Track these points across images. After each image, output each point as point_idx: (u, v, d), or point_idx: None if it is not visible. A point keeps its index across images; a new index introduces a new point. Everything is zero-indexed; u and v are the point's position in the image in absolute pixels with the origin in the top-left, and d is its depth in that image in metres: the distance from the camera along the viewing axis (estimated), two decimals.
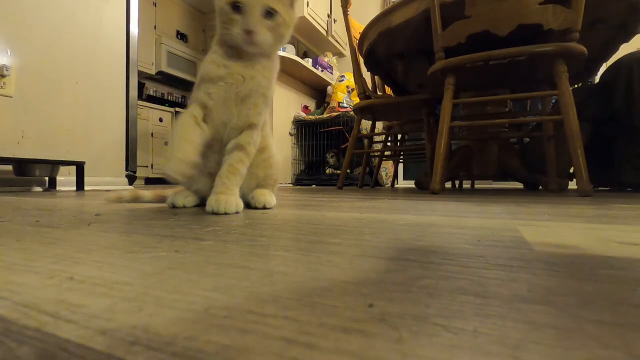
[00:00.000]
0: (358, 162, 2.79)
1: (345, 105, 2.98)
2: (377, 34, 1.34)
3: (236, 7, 0.52)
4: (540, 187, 1.58)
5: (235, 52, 0.57)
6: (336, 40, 3.51)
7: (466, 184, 2.44)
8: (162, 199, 0.71)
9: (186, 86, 3.42)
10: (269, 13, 0.53)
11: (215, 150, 0.60)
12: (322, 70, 3.18)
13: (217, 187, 0.54)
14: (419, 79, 1.68)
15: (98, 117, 1.68)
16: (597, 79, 1.59)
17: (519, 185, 2.31)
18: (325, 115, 2.90)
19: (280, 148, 2.85)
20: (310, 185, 2.90)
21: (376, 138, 2.35)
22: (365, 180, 2.03)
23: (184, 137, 0.52)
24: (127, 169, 1.85)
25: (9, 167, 1.42)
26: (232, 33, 0.53)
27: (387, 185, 2.77)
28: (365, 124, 2.40)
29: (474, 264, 0.22)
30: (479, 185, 2.65)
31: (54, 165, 1.47)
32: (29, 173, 1.41)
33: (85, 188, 1.56)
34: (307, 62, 2.95)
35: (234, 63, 0.56)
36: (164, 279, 0.19)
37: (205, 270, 0.20)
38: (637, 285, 0.18)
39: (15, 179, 1.46)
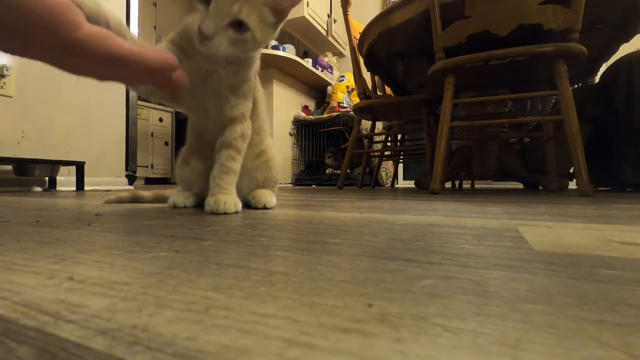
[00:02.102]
0: (358, 162, 2.79)
1: (345, 105, 2.98)
2: (377, 34, 1.34)
3: None
4: (540, 187, 1.58)
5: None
6: (336, 40, 3.51)
7: (466, 184, 2.44)
8: (162, 199, 0.71)
9: None
10: (238, 25, 0.42)
11: (215, 151, 0.59)
12: (322, 70, 3.19)
13: (213, 188, 0.53)
14: (419, 79, 1.68)
15: (98, 117, 1.68)
16: (597, 79, 1.59)
17: (519, 185, 2.30)
18: (325, 115, 2.90)
19: (280, 148, 2.85)
20: (310, 185, 2.90)
21: (376, 138, 2.35)
22: (365, 180, 2.03)
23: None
24: (127, 169, 1.85)
25: (9, 167, 1.42)
26: (187, 24, 0.43)
27: (387, 185, 2.77)
28: (365, 124, 2.40)
29: (474, 264, 0.22)
30: (479, 185, 2.65)
31: (54, 165, 1.47)
32: (29, 173, 1.41)
33: (85, 188, 1.56)
34: (307, 62, 2.95)
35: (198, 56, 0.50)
36: (164, 279, 0.19)
37: (205, 270, 0.20)
38: (637, 285, 0.18)
39: (15, 179, 1.46)
